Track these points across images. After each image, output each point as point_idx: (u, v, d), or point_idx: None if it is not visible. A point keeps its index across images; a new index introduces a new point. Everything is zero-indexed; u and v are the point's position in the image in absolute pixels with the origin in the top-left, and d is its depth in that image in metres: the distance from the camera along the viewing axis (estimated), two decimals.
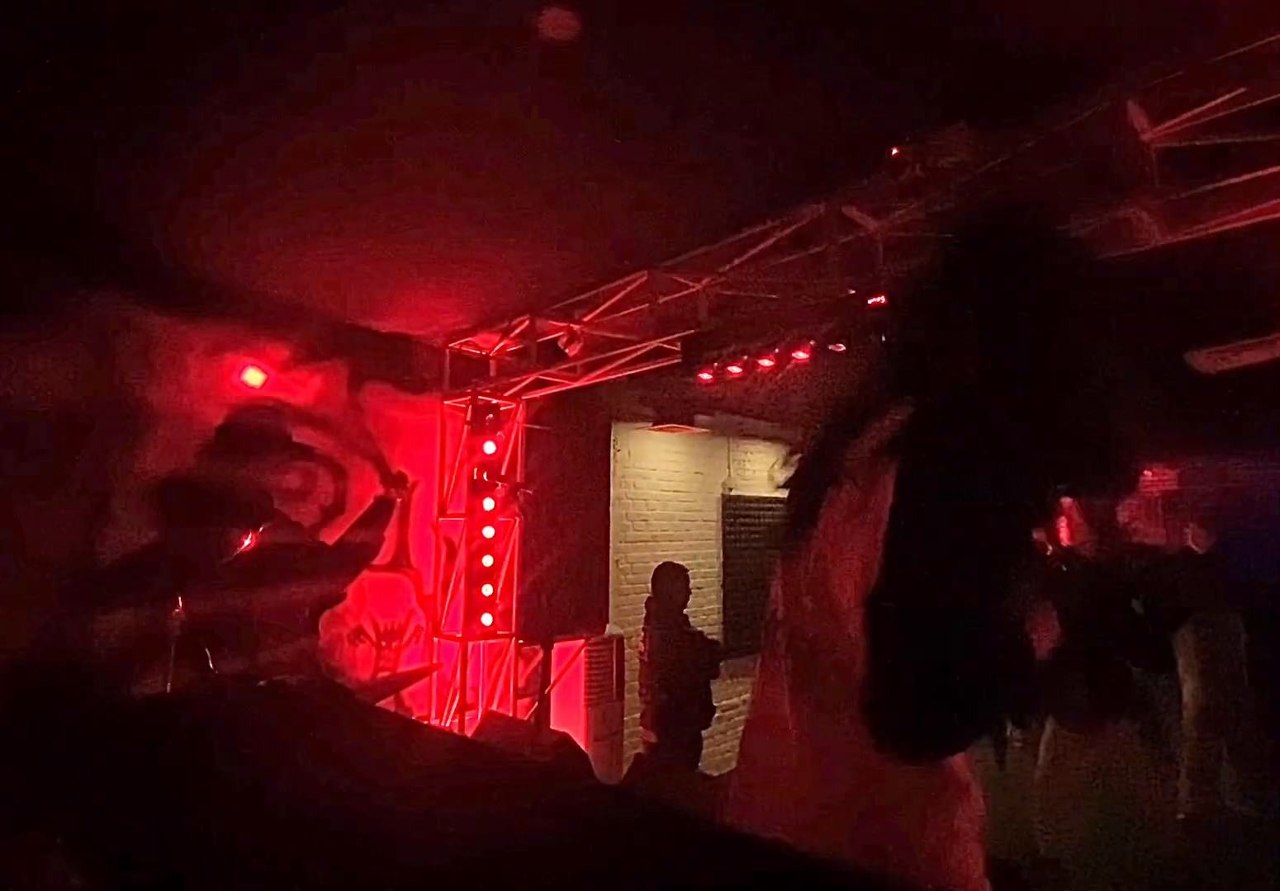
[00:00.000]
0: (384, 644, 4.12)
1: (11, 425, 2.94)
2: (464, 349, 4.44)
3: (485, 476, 4.11)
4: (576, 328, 3.75)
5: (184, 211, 2.78)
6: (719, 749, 5.85)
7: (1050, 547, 3.07)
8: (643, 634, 4.13)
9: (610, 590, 5.15)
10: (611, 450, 5.34)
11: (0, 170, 2.47)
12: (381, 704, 3.08)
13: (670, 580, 4.14)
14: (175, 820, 0.83)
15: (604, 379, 3.99)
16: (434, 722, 4.18)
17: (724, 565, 6.25)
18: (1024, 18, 1.80)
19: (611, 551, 5.21)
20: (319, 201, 2.69)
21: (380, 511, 4.13)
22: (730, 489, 6.42)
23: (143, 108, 2.12)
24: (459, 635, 4.16)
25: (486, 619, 4.18)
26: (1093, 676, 2.99)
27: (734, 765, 1.20)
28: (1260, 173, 1.99)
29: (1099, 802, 3.12)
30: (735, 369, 3.09)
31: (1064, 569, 3.00)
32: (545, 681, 2.75)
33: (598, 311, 3.67)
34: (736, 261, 3.11)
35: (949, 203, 2.46)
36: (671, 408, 4.95)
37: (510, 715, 4.05)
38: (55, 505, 3.02)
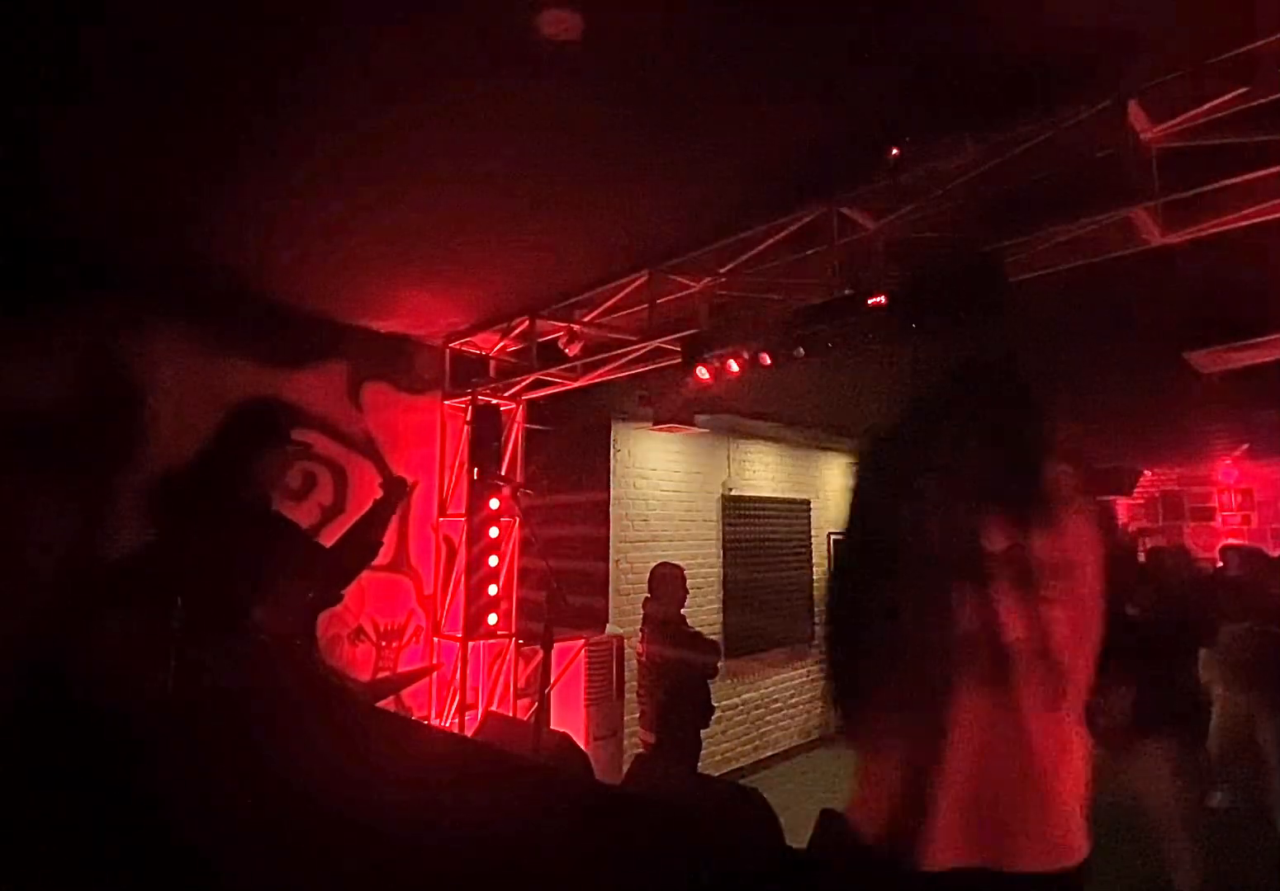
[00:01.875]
0: (384, 644, 4.12)
1: (12, 425, 2.94)
2: (464, 349, 4.43)
3: (486, 477, 4.10)
4: (576, 328, 3.74)
5: (184, 212, 2.77)
6: (719, 749, 5.86)
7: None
8: (641, 634, 4.13)
9: (610, 590, 5.15)
10: (611, 450, 5.34)
11: (1, 170, 2.47)
12: (381, 704, 3.08)
13: (667, 580, 4.13)
14: (178, 819, 0.83)
15: (604, 379, 3.99)
16: (434, 722, 4.18)
17: (724, 565, 6.25)
18: (1024, 18, 1.80)
19: (611, 551, 5.22)
20: (320, 202, 2.68)
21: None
22: (730, 489, 6.42)
23: (142, 107, 2.12)
24: (459, 635, 4.16)
25: (493, 618, 4.19)
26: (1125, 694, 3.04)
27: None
28: (1260, 173, 1.99)
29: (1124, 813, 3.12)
30: (734, 367, 3.08)
31: None
32: (545, 681, 2.74)
33: (598, 311, 3.67)
34: (736, 261, 3.11)
35: (948, 203, 2.46)
36: (671, 408, 4.94)
37: (510, 715, 4.05)
38: (55, 505, 3.02)
